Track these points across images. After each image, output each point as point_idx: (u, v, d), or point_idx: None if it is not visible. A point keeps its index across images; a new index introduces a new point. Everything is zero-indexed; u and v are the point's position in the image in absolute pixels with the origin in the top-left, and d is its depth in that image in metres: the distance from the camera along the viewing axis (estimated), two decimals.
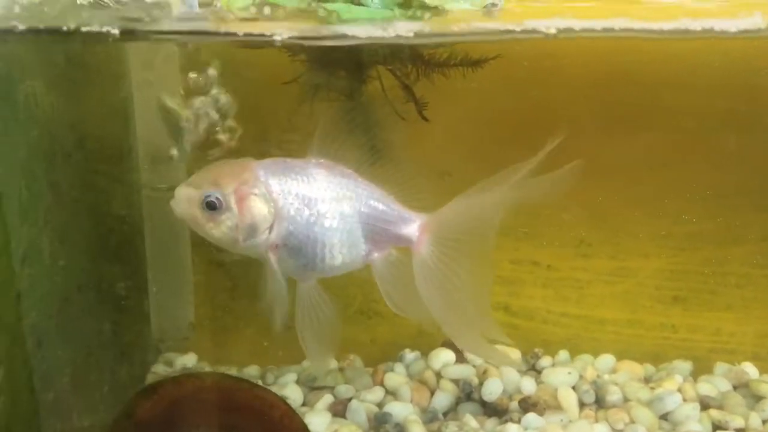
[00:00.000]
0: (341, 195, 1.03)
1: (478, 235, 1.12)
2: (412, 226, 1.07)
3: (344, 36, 0.88)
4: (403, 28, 0.86)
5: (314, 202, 1.01)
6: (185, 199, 0.98)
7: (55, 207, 1.12)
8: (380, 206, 1.07)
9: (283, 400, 1.02)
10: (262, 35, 0.88)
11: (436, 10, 1.11)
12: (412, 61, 1.30)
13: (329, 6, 1.08)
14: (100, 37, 0.79)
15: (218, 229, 0.98)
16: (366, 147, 1.16)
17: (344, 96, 1.33)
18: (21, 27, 0.79)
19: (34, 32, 0.81)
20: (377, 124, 1.35)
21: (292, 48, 1.28)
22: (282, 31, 0.86)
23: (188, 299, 1.46)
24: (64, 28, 0.80)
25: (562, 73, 1.40)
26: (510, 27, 0.83)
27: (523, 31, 0.82)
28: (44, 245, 1.09)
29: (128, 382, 1.39)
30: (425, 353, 1.55)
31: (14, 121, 1.00)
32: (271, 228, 0.99)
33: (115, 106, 1.30)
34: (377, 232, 1.07)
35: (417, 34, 0.87)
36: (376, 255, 1.09)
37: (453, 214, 1.08)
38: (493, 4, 1.15)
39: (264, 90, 1.35)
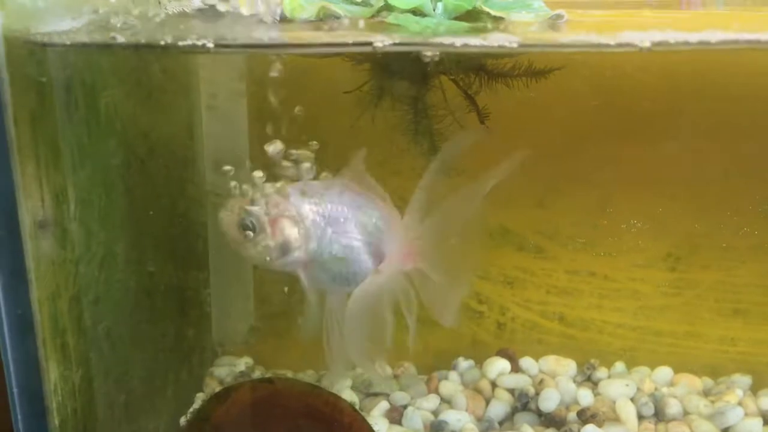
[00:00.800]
0: (361, 214, 1.10)
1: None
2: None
3: (441, 45, 0.88)
4: (502, 39, 0.86)
5: (338, 222, 1.08)
6: (226, 221, 1.06)
7: (130, 213, 1.15)
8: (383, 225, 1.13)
9: (352, 407, 1.04)
10: (368, 43, 0.89)
11: (501, 21, 1.12)
12: (475, 70, 1.31)
13: (392, 20, 1.10)
14: (193, 50, 0.81)
15: (254, 249, 1.06)
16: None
17: (407, 105, 1.34)
18: (120, 39, 0.81)
19: (131, 46, 0.83)
20: (438, 133, 1.36)
21: (355, 57, 1.30)
22: (383, 38, 0.87)
23: (249, 303, 1.48)
24: (162, 42, 0.82)
25: (620, 84, 1.40)
26: (604, 41, 0.84)
27: (618, 45, 0.83)
28: (119, 250, 1.11)
29: (189, 386, 1.41)
30: (479, 362, 1.56)
31: (97, 129, 1.02)
32: (300, 247, 1.07)
33: (184, 115, 1.32)
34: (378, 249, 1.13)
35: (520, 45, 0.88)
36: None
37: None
38: (559, 16, 1.16)
39: (326, 100, 1.37)
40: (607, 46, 0.83)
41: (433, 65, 1.29)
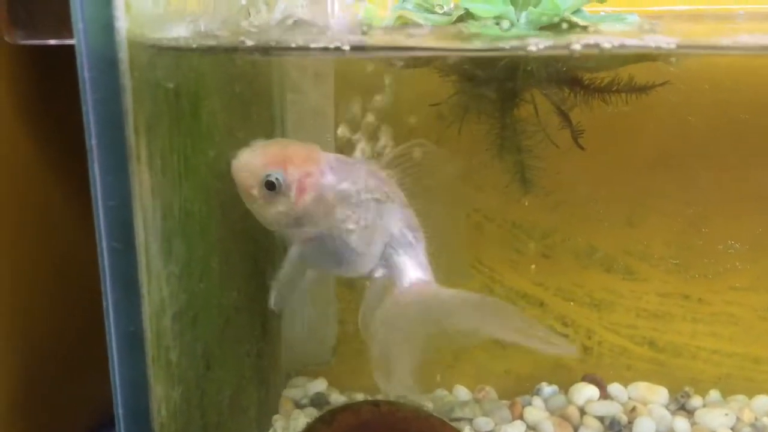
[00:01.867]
0: (382, 210, 1.03)
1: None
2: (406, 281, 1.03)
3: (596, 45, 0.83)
4: (660, 40, 0.81)
5: (358, 210, 1.00)
6: (246, 169, 0.97)
7: (223, 227, 1.11)
8: (408, 239, 1.04)
9: (457, 431, 0.98)
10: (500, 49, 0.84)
11: (586, 30, 1.06)
12: (569, 85, 1.26)
13: (473, 29, 1.05)
14: (325, 52, 0.77)
15: (268, 210, 0.99)
16: None
17: (494, 119, 1.29)
18: (249, 42, 0.78)
19: (259, 49, 0.80)
20: (526, 149, 1.31)
21: (443, 69, 1.26)
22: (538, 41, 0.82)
23: (332, 324, 1.43)
24: (293, 44, 0.79)
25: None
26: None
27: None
28: (214, 265, 1.08)
29: (267, 407, 1.37)
30: (563, 387, 1.50)
31: (199, 138, 0.99)
32: (317, 222, 1.00)
33: (272, 124, 1.29)
34: (389, 258, 1.04)
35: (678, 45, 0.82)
36: (380, 272, 1.06)
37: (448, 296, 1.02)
38: (653, 27, 1.10)
39: (413, 111, 1.33)
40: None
41: (524, 78, 1.25)
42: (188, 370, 0.98)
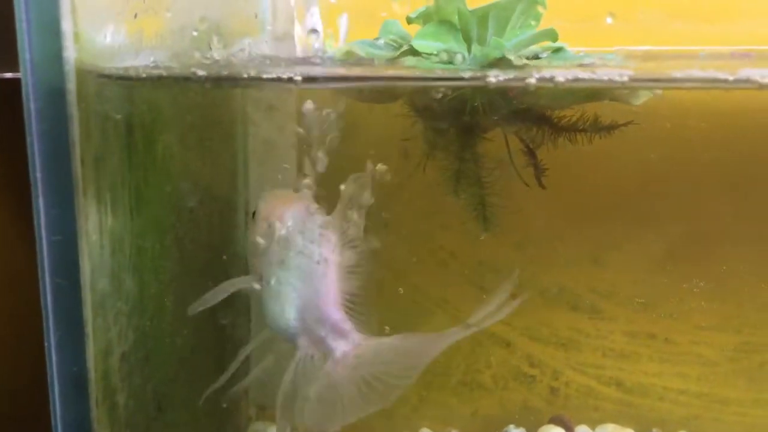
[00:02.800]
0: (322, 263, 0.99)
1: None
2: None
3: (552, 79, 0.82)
4: (612, 73, 0.81)
5: (295, 255, 1.00)
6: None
7: (180, 264, 1.08)
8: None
9: None
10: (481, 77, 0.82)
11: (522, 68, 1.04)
12: (533, 122, 1.26)
13: (411, 63, 1.03)
14: (278, 84, 0.76)
15: (250, 233, 1.05)
16: None
17: (453, 155, 1.28)
18: (200, 73, 0.76)
19: (211, 79, 0.78)
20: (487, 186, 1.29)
21: (414, 105, 1.25)
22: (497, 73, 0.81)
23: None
24: (245, 75, 0.77)
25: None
26: (722, 76, 0.79)
27: (736, 81, 0.78)
28: (169, 303, 1.04)
29: None
30: (531, 429, 1.47)
31: (153, 173, 0.97)
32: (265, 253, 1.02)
33: (232, 160, 1.27)
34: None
35: (631, 79, 0.82)
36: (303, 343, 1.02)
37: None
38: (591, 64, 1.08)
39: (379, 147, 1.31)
40: (726, 81, 0.78)
41: (484, 114, 1.24)
42: (137, 414, 0.93)
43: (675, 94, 1.29)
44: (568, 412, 1.48)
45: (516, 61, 0.91)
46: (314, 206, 1.02)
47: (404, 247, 1.44)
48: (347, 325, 0.97)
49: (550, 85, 0.81)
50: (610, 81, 0.80)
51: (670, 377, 1.45)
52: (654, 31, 1.37)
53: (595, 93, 1.00)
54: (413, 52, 0.93)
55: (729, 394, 1.43)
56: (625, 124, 1.18)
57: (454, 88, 0.93)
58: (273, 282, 1.01)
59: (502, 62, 0.99)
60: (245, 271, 1.36)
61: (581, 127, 1.20)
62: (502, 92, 0.98)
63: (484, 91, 0.98)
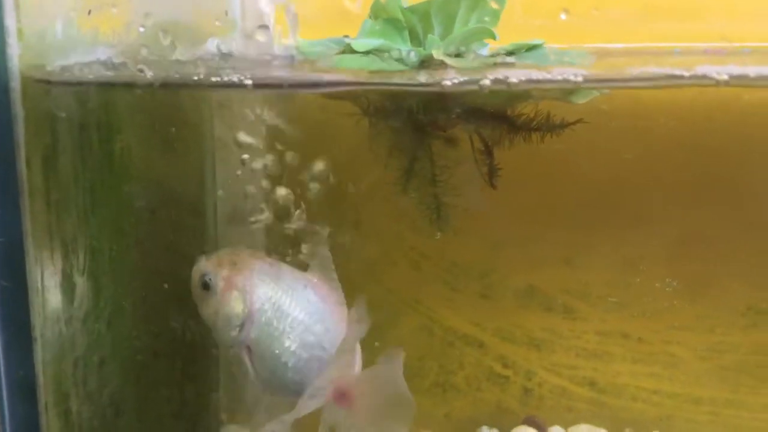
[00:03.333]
0: (314, 322, 0.98)
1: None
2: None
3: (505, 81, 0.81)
4: (567, 72, 0.80)
5: (287, 320, 0.96)
6: (195, 272, 0.98)
7: (139, 268, 1.06)
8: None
9: None
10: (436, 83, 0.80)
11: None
12: (496, 121, 1.23)
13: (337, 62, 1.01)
14: (228, 86, 0.74)
15: (205, 310, 0.97)
16: None
17: (406, 155, 1.25)
18: (148, 74, 0.74)
19: (158, 81, 0.77)
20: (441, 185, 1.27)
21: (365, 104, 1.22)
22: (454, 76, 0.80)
23: None
24: (195, 78, 0.76)
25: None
26: (679, 72, 0.78)
27: (693, 77, 0.77)
28: (128, 307, 1.03)
29: None
30: (504, 430, 1.46)
31: (110, 173, 0.95)
32: (242, 327, 0.95)
33: (197, 164, 1.25)
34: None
35: (585, 79, 0.80)
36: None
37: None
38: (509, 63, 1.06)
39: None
40: (682, 77, 0.77)
41: (438, 113, 1.21)
42: (92, 420, 0.92)
43: (642, 91, 1.29)
44: (541, 413, 1.47)
45: (440, 58, 0.88)
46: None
47: (375, 249, 1.43)
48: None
49: (504, 86, 0.80)
50: (565, 81, 0.79)
51: (643, 377, 1.44)
52: (630, 29, 1.36)
53: (529, 93, 0.98)
54: (351, 50, 0.91)
55: (701, 393, 1.42)
56: (575, 123, 1.14)
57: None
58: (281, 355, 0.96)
59: (433, 61, 0.97)
60: None
61: (535, 126, 1.17)
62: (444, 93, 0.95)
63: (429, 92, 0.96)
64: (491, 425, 1.47)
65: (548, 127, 1.07)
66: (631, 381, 1.45)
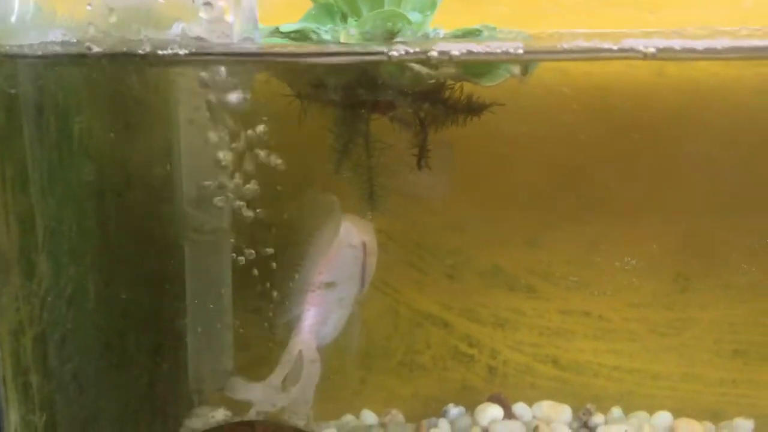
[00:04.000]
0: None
1: None
2: None
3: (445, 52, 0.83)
4: (508, 45, 0.82)
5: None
6: None
7: (103, 248, 1.08)
8: None
9: None
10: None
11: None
12: (431, 102, 1.22)
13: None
14: (172, 60, 0.76)
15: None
16: None
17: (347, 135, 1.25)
18: (96, 49, 0.76)
19: (107, 56, 0.78)
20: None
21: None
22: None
23: (227, 348, 1.40)
24: (140, 51, 0.77)
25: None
26: (607, 45, 0.80)
27: (621, 50, 0.80)
28: (90, 287, 1.04)
29: None
30: (470, 408, 1.49)
31: (69, 154, 0.97)
32: None
33: (164, 147, 1.27)
34: None
35: (525, 51, 0.82)
36: None
37: None
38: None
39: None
40: (611, 50, 0.80)
41: (383, 94, 1.21)
42: (54, 394, 0.94)
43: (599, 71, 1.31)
44: (506, 390, 1.50)
45: (347, 40, 0.90)
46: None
47: None
48: None
49: (446, 58, 0.82)
50: (505, 53, 0.81)
51: (603, 354, 1.48)
52: (596, 17, 1.40)
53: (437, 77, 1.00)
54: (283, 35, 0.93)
55: (660, 369, 1.46)
56: (489, 105, 1.13)
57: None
58: None
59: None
60: (179, 257, 1.37)
61: (460, 108, 1.17)
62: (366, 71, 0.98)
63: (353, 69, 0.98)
64: (457, 403, 1.50)
65: (469, 109, 1.08)
66: (592, 358, 1.48)
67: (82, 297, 1.02)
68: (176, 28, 1.17)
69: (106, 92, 1.08)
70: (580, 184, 1.41)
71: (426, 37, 0.88)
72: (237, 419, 1.45)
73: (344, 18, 0.88)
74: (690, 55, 0.78)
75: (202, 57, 0.86)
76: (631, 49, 0.79)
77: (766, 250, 1.36)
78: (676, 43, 0.78)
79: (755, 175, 1.33)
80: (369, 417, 1.51)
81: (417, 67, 0.93)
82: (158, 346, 1.30)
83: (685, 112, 1.31)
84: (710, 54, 0.78)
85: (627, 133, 1.37)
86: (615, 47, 0.80)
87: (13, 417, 0.84)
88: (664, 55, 0.78)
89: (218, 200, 1.26)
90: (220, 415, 1.47)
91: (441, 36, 0.93)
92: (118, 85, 1.11)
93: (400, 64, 0.98)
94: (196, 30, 1.20)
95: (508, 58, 0.83)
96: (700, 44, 0.78)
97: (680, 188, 1.37)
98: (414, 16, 0.85)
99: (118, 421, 1.15)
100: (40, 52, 0.79)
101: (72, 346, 0.99)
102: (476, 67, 0.99)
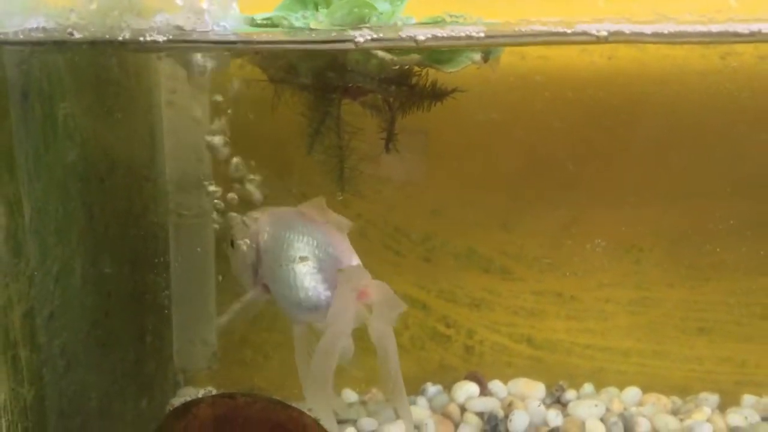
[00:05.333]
0: (312, 244, 1.10)
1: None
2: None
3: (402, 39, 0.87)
4: (472, 30, 0.86)
5: (289, 248, 1.09)
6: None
7: (88, 230, 1.12)
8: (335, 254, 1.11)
9: (316, 422, 1.00)
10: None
11: None
12: (398, 87, 1.25)
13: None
14: (151, 47, 0.80)
15: (232, 262, 1.15)
16: None
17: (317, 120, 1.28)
18: (77, 35, 0.80)
19: (88, 43, 0.82)
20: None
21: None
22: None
23: (212, 329, 1.44)
24: (120, 38, 0.81)
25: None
26: (561, 30, 0.85)
27: (574, 33, 0.84)
28: (77, 266, 1.08)
29: (149, 415, 1.36)
30: (447, 387, 1.54)
31: (54, 139, 1.01)
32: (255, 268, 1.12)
33: (146, 131, 1.31)
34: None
35: (486, 35, 0.86)
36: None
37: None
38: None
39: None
40: (565, 34, 0.84)
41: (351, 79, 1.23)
42: (42, 368, 0.98)
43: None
44: (482, 369, 1.55)
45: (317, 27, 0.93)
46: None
47: None
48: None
49: (412, 44, 0.87)
50: (468, 37, 0.85)
51: (576, 333, 1.53)
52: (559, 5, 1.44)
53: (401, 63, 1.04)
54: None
55: (630, 346, 1.51)
56: (451, 92, 1.15)
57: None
58: (290, 278, 1.08)
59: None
60: (164, 239, 1.41)
61: (425, 93, 1.17)
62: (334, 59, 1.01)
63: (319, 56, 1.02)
64: (435, 382, 1.55)
65: (434, 94, 1.12)
66: (565, 337, 1.54)
67: (69, 276, 1.06)
68: (160, 18, 1.21)
69: (88, 78, 1.12)
70: (551, 169, 1.45)
71: (394, 24, 0.92)
72: None
73: (316, 7, 0.92)
74: (639, 38, 0.83)
75: (180, 44, 0.89)
76: (584, 33, 0.83)
77: (729, 231, 1.42)
78: (626, 28, 0.82)
79: (714, 157, 1.38)
80: (350, 395, 1.55)
81: (381, 53, 0.97)
82: (144, 326, 1.35)
83: (636, 96, 1.36)
84: (658, 38, 0.83)
85: (588, 117, 1.42)
86: (569, 31, 0.84)
87: (3, 389, 0.88)
88: (616, 38, 0.82)
89: (199, 182, 1.31)
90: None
91: (411, 23, 0.97)
92: (100, 70, 1.15)
93: (367, 52, 1.02)
94: (179, 20, 1.24)
95: (470, 43, 0.87)
96: (648, 28, 0.82)
97: (646, 173, 1.42)
98: (382, 6, 0.89)
99: (106, 398, 1.19)
100: (23, 38, 0.82)
101: (60, 322, 1.03)
102: (439, 54, 1.03)
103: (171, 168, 1.35)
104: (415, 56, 1.00)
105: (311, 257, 1.09)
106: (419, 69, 1.11)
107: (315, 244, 1.10)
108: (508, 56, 1.13)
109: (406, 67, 1.06)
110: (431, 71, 1.09)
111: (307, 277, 1.09)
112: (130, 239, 1.29)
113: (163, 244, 1.40)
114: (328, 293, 1.09)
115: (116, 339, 1.23)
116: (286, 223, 1.11)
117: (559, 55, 1.35)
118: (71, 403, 1.07)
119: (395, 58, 1.00)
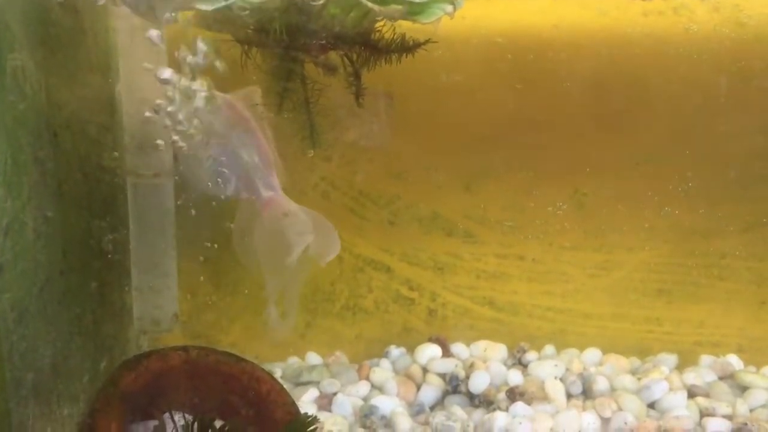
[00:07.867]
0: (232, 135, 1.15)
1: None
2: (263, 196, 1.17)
3: None
4: None
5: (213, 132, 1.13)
6: None
7: (40, 185, 1.10)
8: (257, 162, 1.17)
9: (270, 375, 1.00)
10: None
11: None
12: (360, 44, 1.24)
13: None
14: None
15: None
16: None
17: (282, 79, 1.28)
18: None
19: None
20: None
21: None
22: None
23: (172, 290, 1.43)
24: None
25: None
26: None
27: None
28: (28, 221, 1.07)
29: (108, 375, 1.36)
30: (411, 349, 1.55)
31: (2, 90, 0.99)
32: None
33: (103, 89, 1.29)
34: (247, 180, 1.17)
35: None
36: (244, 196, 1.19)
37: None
38: None
39: None
40: None
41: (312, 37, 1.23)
42: None
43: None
44: (445, 332, 1.56)
45: None
46: None
47: (285, 180, 1.49)
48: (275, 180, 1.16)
49: None
50: None
51: (538, 295, 1.54)
52: None
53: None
54: None
55: (591, 309, 1.53)
56: (424, 43, 1.14)
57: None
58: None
59: None
60: (122, 200, 1.40)
61: (393, 48, 1.17)
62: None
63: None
64: (398, 344, 1.56)
65: (403, 48, 1.11)
66: (527, 299, 1.55)
67: (20, 230, 1.05)
68: None
69: (40, 33, 1.10)
70: (513, 132, 1.46)
71: None
72: None
73: None
74: None
75: None
76: None
77: (687, 194, 1.43)
78: None
79: (670, 121, 1.39)
80: (314, 358, 1.56)
81: (369, 3, 0.94)
82: (103, 286, 1.33)
83: (595, 58, 1.37)
84: None
85: (558, 83, 1.43)
86: None
87: None
88: None
89: (158, 141, 1.29)
90: None
91: None
92: (52, 27, 1.13)
93: (347, 5, 1.01)
94: None
95: None
96: None
97: (606, 136, 1.43)
98: None
99: (61, 356, 1.18)
100: None
101: (10, 275, 1.02)
102: (414, 6, 1.02)
103: (129, 126, 1.33)
104: (398, 7, 0.98)
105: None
106: (381, 24, 1.10)
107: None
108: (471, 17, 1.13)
109: (379, 19, 1.04)
110: (404, 24, 1.08)
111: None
112: (86, 197, 1.27)
113: (122, 205, 1.38)
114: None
115: (72, 297, 1.22)
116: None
117: (524, 18, 1.35)
118: (23, 357, 1.05)
119: (382, 9, 0.97)
